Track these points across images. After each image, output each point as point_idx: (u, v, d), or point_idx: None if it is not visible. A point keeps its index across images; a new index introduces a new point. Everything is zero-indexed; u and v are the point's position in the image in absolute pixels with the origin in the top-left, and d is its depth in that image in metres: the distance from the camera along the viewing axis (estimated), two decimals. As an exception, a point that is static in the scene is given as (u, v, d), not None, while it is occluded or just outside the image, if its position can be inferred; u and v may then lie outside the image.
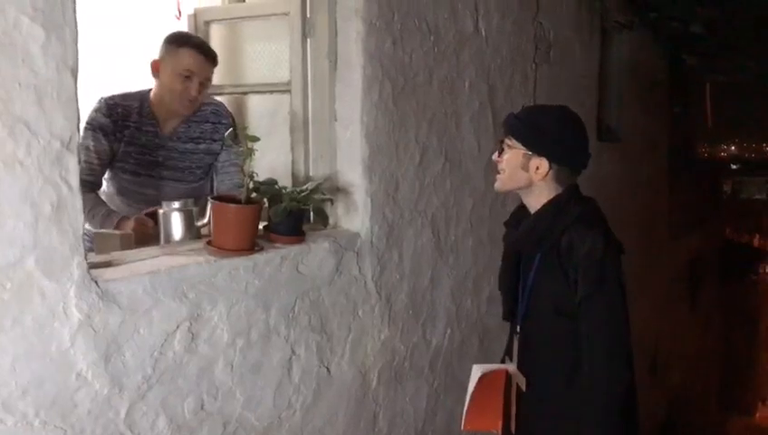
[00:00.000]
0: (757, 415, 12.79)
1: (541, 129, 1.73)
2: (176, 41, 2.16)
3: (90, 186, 2.12)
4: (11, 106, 1.22)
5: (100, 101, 2.15)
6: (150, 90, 2.23)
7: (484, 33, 2.57)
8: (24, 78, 1.23)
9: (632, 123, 4.37)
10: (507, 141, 1.76)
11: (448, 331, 2.50)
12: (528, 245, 1.78)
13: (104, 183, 2.26)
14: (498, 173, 1.79)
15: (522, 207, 1.84)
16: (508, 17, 2.73)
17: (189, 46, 2.14)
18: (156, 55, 2.18)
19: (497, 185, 1.81)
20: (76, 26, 1.31)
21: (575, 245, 1.66)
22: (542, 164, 1.71)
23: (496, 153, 1.79)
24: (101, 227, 2.02)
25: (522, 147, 1.72)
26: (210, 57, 2.18)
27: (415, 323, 2.33)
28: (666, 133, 5.44)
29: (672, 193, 5.57)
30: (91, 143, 2.13)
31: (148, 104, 2.21)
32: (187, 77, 2.14)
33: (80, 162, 1.35)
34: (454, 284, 2.51)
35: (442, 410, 2.50)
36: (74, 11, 1.31)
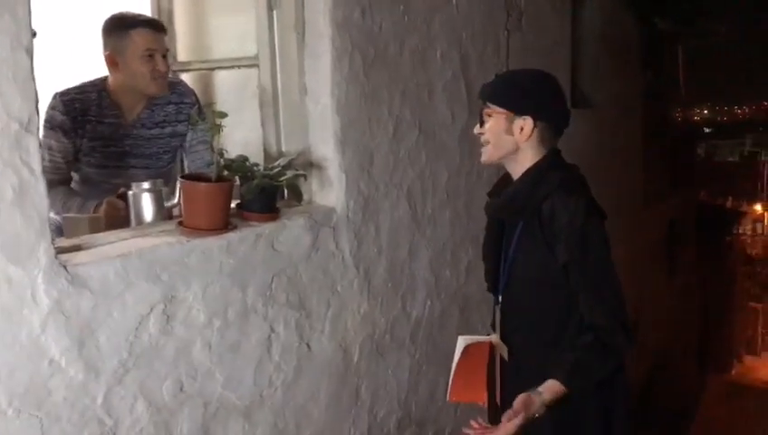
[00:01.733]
0: (733, 372, 13.14)
1: (519, 87, 1.72)
2: (120, 26, 2.08)
3: (59, 184, 2.08)
4: (-37, 88, 1.18)
5: (54, 97, 2.07)
6: (106, 78, 2.15)
7: (454, 1, 2.54)
8: (-25, 58, 1.19)
9: (606, 89, 4.37)
10: (486, 110, 1.73)
11: (428, 302, 2.51)
12: (509, 213, 1.77)
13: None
14: (482, 146, 1.76)
15: (505, 178, 1.82)
16: (478, -16, 2.69)
17: (139, 26, 2.07)
18: (101, 49, 2.10)
19: (484, 158, 1.77)
20: (29, 4, 1.26)
21: (557, 212, 1.64)
22: (527, 123, 1.69)
23: (477, 126, 1.76)
24: None
25: (503, 110, 1.70)
26: (160, 28, 2.14)
27: (394, 296, 2.33)
28: (639, 98, 5.46)
29: (647, 158, 5.61)
30: (53, 142, 2.06)
31: (107, 95, 2.14)
32: (150, 56, 2.08)
33: (44, 161, 1.32)
34: (432, 255, 2.51)
35: (424, 381, 2.51)
36: (26, -14, 1.26)
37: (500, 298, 1.83)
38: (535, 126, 1.69)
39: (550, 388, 1.62)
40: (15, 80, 1.25)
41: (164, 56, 2.12)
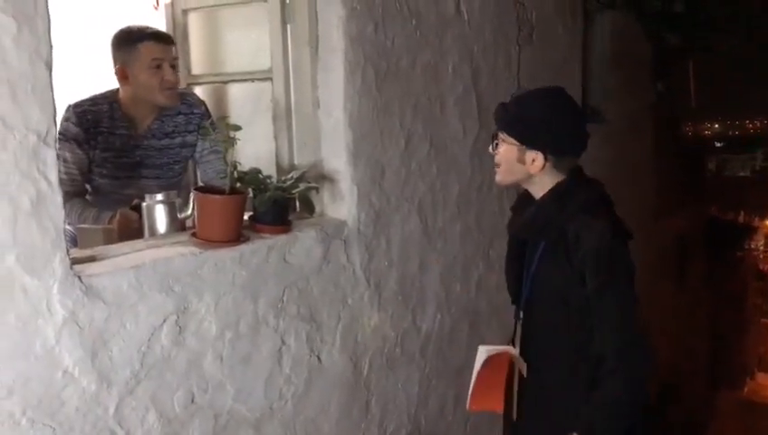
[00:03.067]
0: (745, 389, 12.99)
1: (532, 122, 1.67)
2: (128, 40, 2.11)
3: (75, 195, 2.10)
4: (-16, 100, 1.20)
5: (68, 109, 2.10)
6: (117, 89, 2.18)
7: (466, 16, 2.55)
8: (-4, 71, 1.21)
9: (616, 104, 4.37)
10: (500, 135, 1.72)
11: (438, 316, 2.50)
12: (532, 233, 1.75)
13: None
14: (497, 166, 1.75)
15: (526, 193, 1.80)
16: (490, -1, 2.71)
17: (145, 39, 2.10)
18: (111, 62, 2.14)
19: (498, 178, 1.77)
20: (48, 17, 1.29)
21: (583, 235, 1.61)
22: (538, 157, 1.66)
23: (492, 146, 1.75)
24: None
25: (514, 141, 1.69)
26: (168, 40, 2.17)
27: (405, 310, 2.33)
28: (650, 113, 5.45)
29: (657, 173, 5.59)
30: (68, 154, 2.08)
31: (119, 106, 2.17)
32: (158, 66, 2.11)
33: (60, 173, 1.33)
34: (443, 269, 2.51)
35: (434, 395, 2.50)
36: (46, 1, 1.28)
37: (521, 314, 1.83)
38: (546, 159, 1.67)
39: None
40: (34, 92, 1.27)
41: (173, 67, 2.15)
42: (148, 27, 2.19)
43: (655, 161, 5.57)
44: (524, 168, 1.69)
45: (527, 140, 1.67)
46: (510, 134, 1.69)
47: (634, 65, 4.97)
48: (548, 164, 1.68)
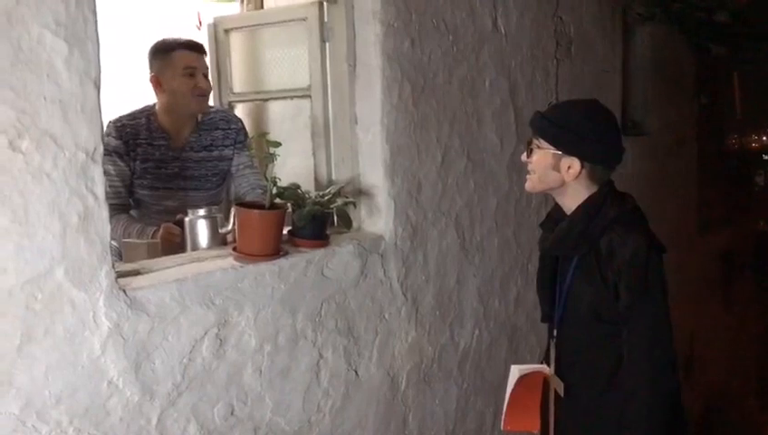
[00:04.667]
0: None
1: (570, 127, 1.65)
2: (162, 50, 2.19)
3: (120, 208, 2.16)
4: (37, 120, 1.25)
5: (108, 125, 2.18)
6: (155, 104, 2.26)
7: (503, 31, 2.56)
8: (48, 92, 1.26)
9: (659, 117, 4.29)
10: (536, 142, 1.70)
11: (476, 332, 2.48)
12: (564, 249, 1.72)
13: None
14: (528, 174, 1.73)
15: (557, 207, 1.77)
16: (527, 14, 2.70)
17: (179, 48, 2.19)
18: (148, 73, 2.22)
19: (528, 185, 1.74)
20: (98, 40, 1.34)
21: (616, 249, 1.59)
22: (574, 164, 1.64)
23: (524, 154, 1.74)
24: None
25: (551, 147, 1.66)
26: (200, 49, 2.24)
27: (442, 325, 2.32)
28: (694, 125, 5.33)
29: (701, 186, 5.45)
30: (111, 167, 2.14)
31: (155, 119, 2.24)
32: (191, 74, 2.18)
33: (104, 187, 1.37)
34: (480, 284, 2.49)
35: (472, 412, 2.48)
36: (96, 24, 1.33)
37: (555, 332, 1.80)
38: (583, 167, 1.65)
39: None
40: (83, 111, 1.31)
41: (205, 76, 2.22)
42: (181, 38, 2.27)
43: (698, 175, 5.45)
44: (559, 175, 1.66)
45: (564, 146, 1.65)
46: (546, 139, 1.67)
47: (676, 77, 4.89)
48: (583, 172, 1.65)
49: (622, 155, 1.72)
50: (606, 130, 1.69)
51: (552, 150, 1.66)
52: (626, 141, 1.84)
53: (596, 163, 1.66)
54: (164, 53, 2.19)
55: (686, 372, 5.02)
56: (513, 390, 1.82)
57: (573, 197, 1.69)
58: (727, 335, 6.50)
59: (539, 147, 1.69)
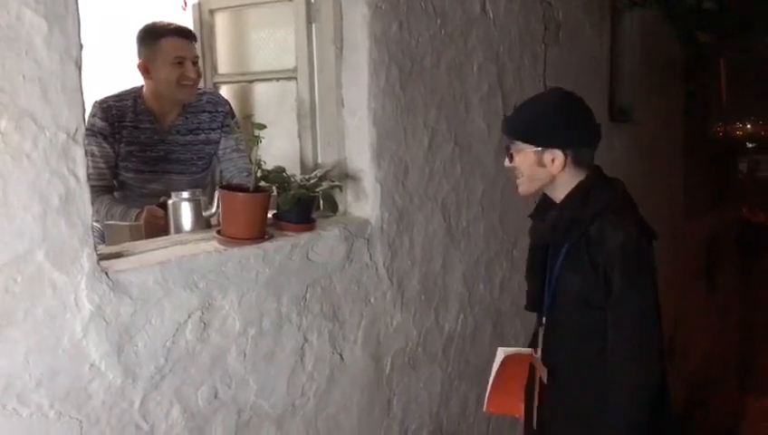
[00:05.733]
0: (776, 396, 12.69)
1: (539, 120, 1.67)
2: (151, 36, 2.15)
3: (104, 190, 2.14)
4: (16, 98, 1.22)
5: (94, 105, 2.15)
6: (142, 86, 2.22)
7: (491, 15, 2.54)
8: (28, 70, 1.24)
9: (645, 103, 4.30)
10: (513, 147, 1.70)
11: (461, 316, 2.49)
12: (555, 237, 1.72)
13: None
14: (517, 178, 1.73)
15: (545, 198, 1.78)
16: (516, -2, 2.69)
17: (168, 35, 2.14)
18: (136, 58, 2.17)
19: (521, 189, 1.74)
20: (78, 17, 1.31)
21: (607, 236, 1.59)
22: (557, 155, 1.65)
23: (507, 160, 1.74)
24: None
25: (529, 145, 1.67)
26: (190, 36, 2.20)
27: (427, 309, 2.32)
28: (680, 112, 5.36)
29: (687, 173, 5.49)
30: (95, 148, 2.12)
31: (142, 101, 2.20)
32: (180, 63, 2.14)
33: (88, 168, 1.35)
34: (466, 269, 2.50)
35: (456, 396, 2.49)
36: (76, 2, 1.30)
37: (544, 319, 1.81)
38: (566, 155, 1.65)
39: None
40: (64, 91, 1.29)
41: (194, 63, 2.18)
42: (171, 23, 2.23)
43: (685, 161, 5.48)
44: (546, 170, 1.67)
45: (540, 140, 1.66)
46: (522, 139, 1.68)
47: (664, 64, 4.90)
48: (568, 161, 1.66)
49: (599, 130, 1.72)
50: (575, 111, 1.70)
51: (532, 148, 1.67)
52: (613, 128, 1.84)
53: (577, 147, 1.67)
54: (152, 39, 2.14)
55: (670, 355, 5.08)
56: (497, 372, 1.83)
57: (564, 187, 1.69)
58: (710, 320, 6.58)
59: (518, 150, 1.69)
